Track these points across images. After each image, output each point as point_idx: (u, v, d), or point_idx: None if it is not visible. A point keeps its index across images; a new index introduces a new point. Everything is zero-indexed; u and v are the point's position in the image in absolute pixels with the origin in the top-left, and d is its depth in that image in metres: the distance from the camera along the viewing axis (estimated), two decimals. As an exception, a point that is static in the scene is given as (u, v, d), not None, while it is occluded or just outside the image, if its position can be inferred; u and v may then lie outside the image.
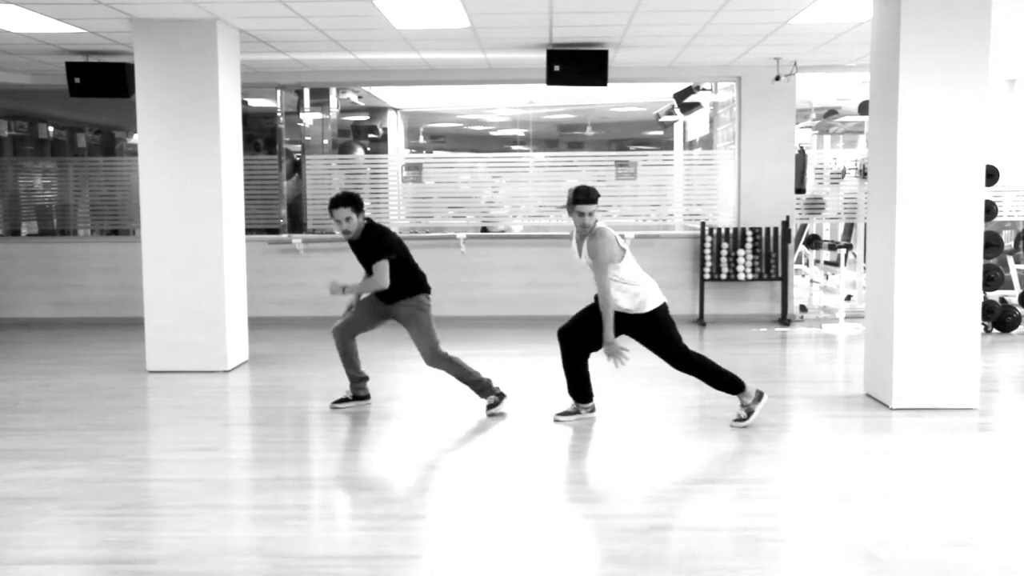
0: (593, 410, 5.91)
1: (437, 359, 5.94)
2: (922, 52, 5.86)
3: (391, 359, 8.14)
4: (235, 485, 4.77)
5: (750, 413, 5.69)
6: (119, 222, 10.79)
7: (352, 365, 6.18)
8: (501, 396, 6.05)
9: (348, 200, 5.78)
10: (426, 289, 6.05)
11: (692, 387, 7.07)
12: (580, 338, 5.71)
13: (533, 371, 7.34)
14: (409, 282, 5.97)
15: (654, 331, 5.56)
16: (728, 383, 5.66)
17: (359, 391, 6.27)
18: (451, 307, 10.22)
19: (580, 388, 5.86)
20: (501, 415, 5.96)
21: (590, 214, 5.51)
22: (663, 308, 5.58)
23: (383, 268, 5.76)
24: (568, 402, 5.92)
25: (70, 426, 5.86)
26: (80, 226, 10.95)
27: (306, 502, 4.44)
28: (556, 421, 5.83)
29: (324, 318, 7.91)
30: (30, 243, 10.58)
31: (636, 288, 5.51)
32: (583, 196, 5.49)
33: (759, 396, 5.74)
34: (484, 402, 6.05)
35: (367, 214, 6.00)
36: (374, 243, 5.84)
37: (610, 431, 5.63)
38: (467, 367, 6.01)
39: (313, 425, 5.92)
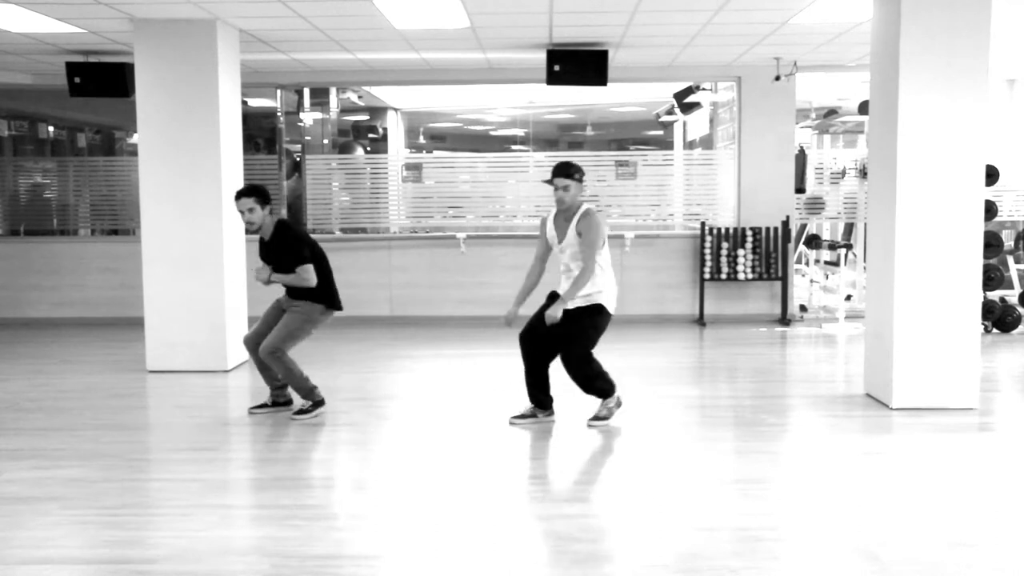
0: (552, 414, 5.85)
1: (275, 356, 5.81)
2: (922, 52, 5.86)
3: (389, 359, 8.15)
4: (235, 485, 4.77)
5: (609, 415, 5.72)
6: (119, 222, 10.79)
7: (268, 373, 6.09)
8: (318, 404, 5.99)
9: (251, 191, 5.80)
10: (325, 302, 5.94)
11: (691, 387, 7.08)
12: (541, 341, 5.64)
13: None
14: (317, 288, 5.89)
15: (584, 322, 5.52)
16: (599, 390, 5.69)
17: (279, 397, 6.17)
18: (451, 307, 10.23)
19: (540, 394, 5.80)
20: (307, 419, 5.90)
21: (564, 188, 5.49)
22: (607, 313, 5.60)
23: (309, 270, 5.78)
24: (525, 404, 5.87)
25: (70, 426, 5.86)
26: (80, 226, 10.95)
27: (306, 502, 4.44)
28: (512, 424, 5.77)
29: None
30: (30, 243, 10.58)
31: (602, 280, 5.54)
32: (556, 169, 5.51)
33: (619, 402, 5.77)
34: (302, 402, 5.98)
35: (281, 214, 5.96)
36: (291, 247, 5.81)
37: (610, 431, 5.63)
38: (299, 374, 5.91)
39: (312, 425, 5.92)
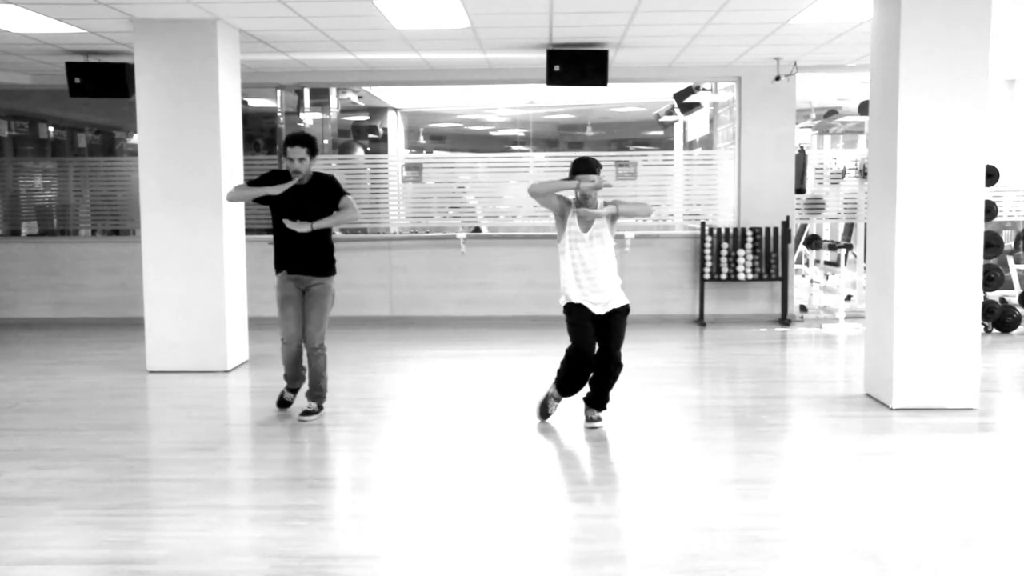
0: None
1: (320, 347, 5.88)
2: (922, 52, 5.86)
3: (390, 359, 8.15)
4: (235, 485, 4.77)
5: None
6: (119, 222, 10.79)
7: (302, 373, 6.15)
8: (322, 408, 6.03)
9: (303, 140, 5.79)
10: (335, 271, 6.05)
11: (691, 387, 7.08)
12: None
13: (533, 371, 7.34)
14: (332, 256, 5.98)
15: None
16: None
17: (294, 393, 6.27)
18: (451, 307, 10.23)
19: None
20: (312, 422, 5.90)
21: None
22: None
23: (352, 201, 5.84)
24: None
25: (70, 426, 5.86)
26: (80, 226, 10.95)
27: (306, 502, 4.44)
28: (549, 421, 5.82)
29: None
30: (30, 243, 10.57)
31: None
32: (583, 165, 5.50)
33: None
34: (310, 404, 6.00)
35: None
36: (334, 185, 5.86)
37: (610, 431, 5.63)
38: (326, 371, 5.98)
39: (312, 425, 5.92)
